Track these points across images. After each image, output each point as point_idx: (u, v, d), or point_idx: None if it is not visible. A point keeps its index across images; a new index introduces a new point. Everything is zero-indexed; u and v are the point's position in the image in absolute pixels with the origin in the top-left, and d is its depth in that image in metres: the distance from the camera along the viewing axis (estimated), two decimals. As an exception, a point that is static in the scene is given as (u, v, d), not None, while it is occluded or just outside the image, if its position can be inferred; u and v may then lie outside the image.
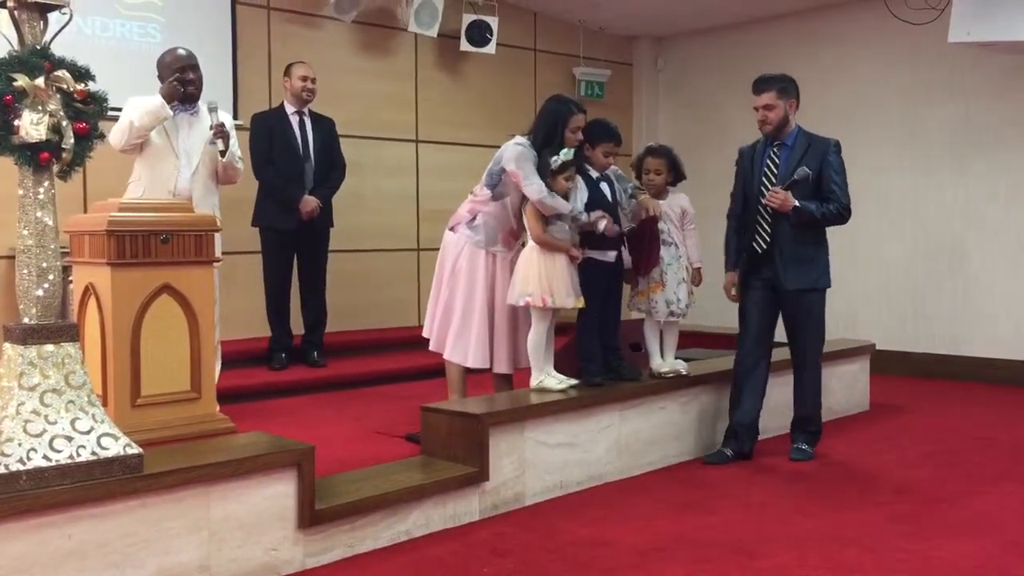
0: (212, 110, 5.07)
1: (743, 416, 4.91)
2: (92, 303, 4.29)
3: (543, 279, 4.37)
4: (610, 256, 4.65)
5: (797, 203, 4.67)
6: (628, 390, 4.67)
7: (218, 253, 4.60)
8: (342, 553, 3.48)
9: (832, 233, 4.92)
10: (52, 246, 2.97)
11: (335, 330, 6.78)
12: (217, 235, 4.58)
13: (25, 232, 2.94)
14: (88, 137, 2.99)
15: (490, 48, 7.83)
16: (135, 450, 2.99)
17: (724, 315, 7.64)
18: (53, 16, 3.00)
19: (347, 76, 7.35)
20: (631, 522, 3.89)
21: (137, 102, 4.88)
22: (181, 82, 4.97)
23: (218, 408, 4.58)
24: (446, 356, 4.71)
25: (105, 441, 2.94)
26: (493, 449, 4.00)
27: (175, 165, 5.00)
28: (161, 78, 5.05)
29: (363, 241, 7.42)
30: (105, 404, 4.01)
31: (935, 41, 7.04)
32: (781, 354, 5.17)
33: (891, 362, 7.35)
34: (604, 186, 4.68)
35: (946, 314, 7.46)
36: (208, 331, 4.42)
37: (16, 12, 2.93)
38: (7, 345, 2.98)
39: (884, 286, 7.78)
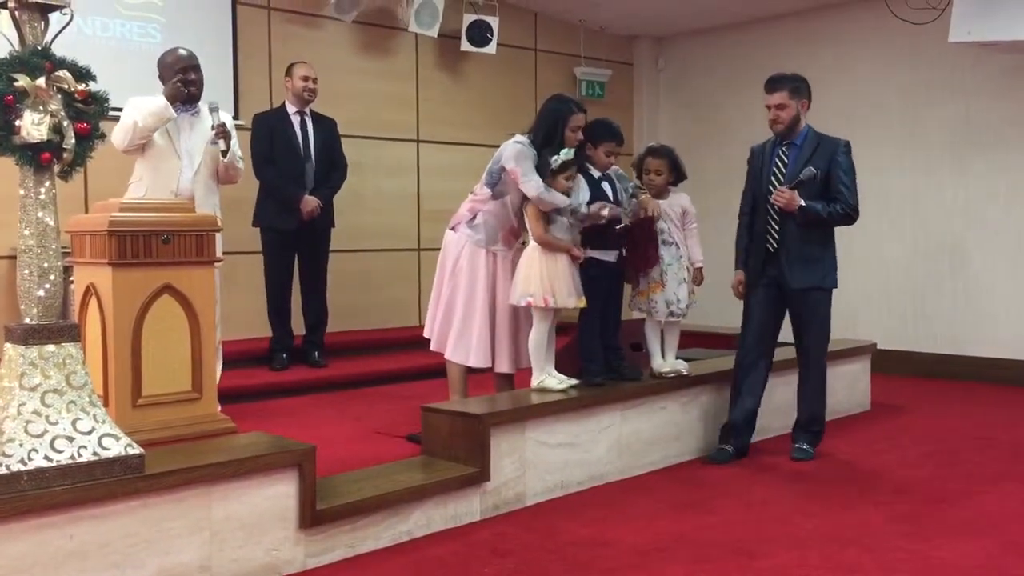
0: (213, 110, 5.07)
1: (740, 413, 4.93)
2: (93, 303, 4.29)
3: (545, 279, 4.37)
4: (612, 256, 4.65)
5: (803, 202, 4.67)
6: (629, 390, 4.67)
7: (219, 253, 4.61)
8: (343, 553, 3.49)
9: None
10: (53, 246, 2.97)
11: (336, 330, 6.78)
12: (218, 235, 4.59)
13: (26, 232, 2.94)
14: (89, 137, 2.99)
15: (491, 48, 7.84)
16: (136, 450, 2.99)
17: (725, 315, 7.65)
18: (54, 16, 3.00)
19: (348, 76, 7.35)
20: (632, 522, 3.90)
21: (139, 102, 4.88)
22: (184, 83, 4.97)
23: (219, 408, 4.57)
24: (447, 356, 4.71)
25: (106, 441, 2.94)
26: (494, 449, 4.00)
27: (177, 166, 5.00)
28: (162, 78, 5.05)
29: (364, 241, 7.42)
30: (106, 404, 4.01)
31: (935, 41, 7.04)
32: (784, 353, 5.18)
33: (892, 362, 7.35)
34: (606, 186, 4.68)
35: (947, 314, 7.46)
36: (209, 331, 4.42)
37: (17, 12, 2.93)
38: (8, 345, 2.98)
39: (885, 286, 7.78)
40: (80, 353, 3.03)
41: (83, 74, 2.98)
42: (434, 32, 7.51)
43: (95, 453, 2.90)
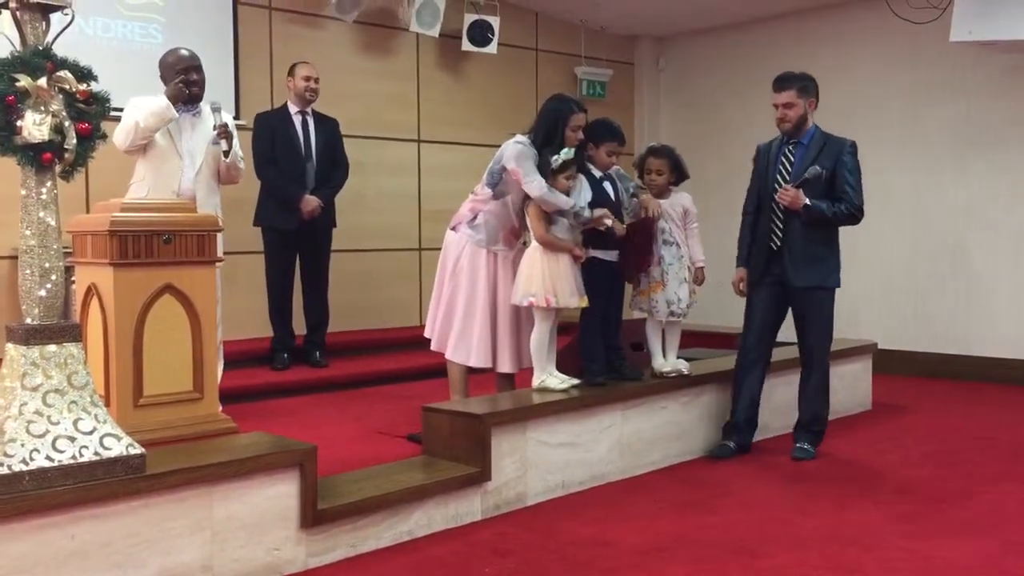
0: (215, 110, 5.08)
1: (743, 410, 4.97)
2: (94, 303, 4.30)
3: (547, 279, 4.37)
4: (613, 255, 4.65)
5: (808, 201, 4.67)
6: (630, 390, 4.67)
7: (220, 253, 4.61)
8: (344, 553, 3.49)
9: (834, 232, 4.93)
10: (55, 246, 2.98)
11: (337, 330, 6.78)
12: (219, 235, 4.59)
13: (28, 232, 2.95)
14: (90, 137, 2.99)
15: (492, 48, 7.84)
16: (137, 450, 3.00)
17: (726, 314, 7.66)
18: (55, 17, 3.00)
19: (349, 76, 7.36)
20: (633, 522, 3.90)
21: (141, 102, 4.88)
22: (186, 83, 4.97)
23: (220, 408, 4.58)
24: (448, 356, 4.71)
25: (108, 441, 2.95)
26: (495, 449, 4.00)
27: (179, 166, 5.00)
28: (164, 78, 5.05)
29: (365, 241, 7.42)
30: (107, 404, 4.01)
31: (936, 40, 7.04)
32: (787, 353, 5.18)
33: (893, 362, 7.34)
34: (607, 185, 4.68)
35: (948, 313, 7.46)
36: (210, 331, 4.42)
37: (18, 13, 2.93)
38: (10, 345, 2.98)
39: (886, 286, 7.78)
40: (82, 353, 3.03)
41: (84, 74, 2.98)
42: (435, 32, 7.52)
43: (97, 453, 2.90)
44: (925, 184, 7.60)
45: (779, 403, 5.24)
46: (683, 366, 4.96)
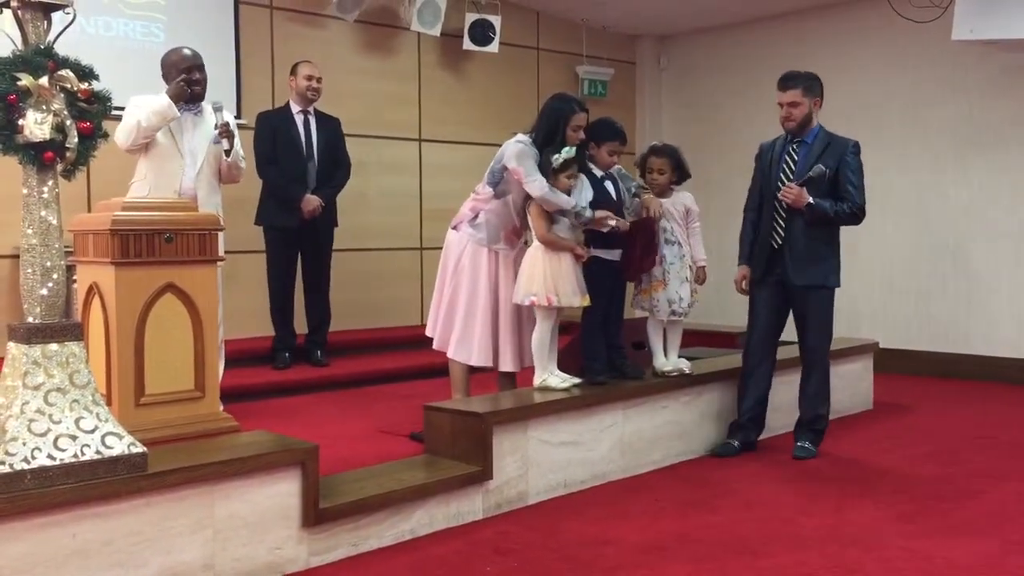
0: (217, 110, 5.08)
1: (748, 409, 4.99)
2: (96, 302, 4.30)
3: (548, 278, 4.37)
4: (615, 254, 4.65)
5: (811, 200, 4.68)
6: (631, 389, 4.67)
7: (221, 252, 4.61)
8: (346, 552, 3.49)
9: (835, 232, 4.93)
10: (56, 245, 2.98)
11: (338, 329, 6.79)
12: (220, 234, 4.59)
13: (29, 231, 2.95)
14: (92, 136, 3.00)
15: (493, 47, 7.84)
16: (139, 449, 3.00)
17: (727, 313, 7.67)
18: (56, 16, 3.00)
19: (350, 75, 7.36)
20: (634, 521, 3.90)
21: (142, 101, 4.88)
22: (188, 82, 4.97)
23: (222, 407, 4.58)
24: (450, 355, 4.71)
25: (109, 440, 2.95)
26: (496, 448, 4.01)
27: (180, 165, 5.00)
28: (166, 78, 5.04)
29: (366, 240, 7.42)
30: (109, 403, 4.00)
31: (938, 39, 7.03)
32: (787, 352, 5.19)
33: (895, 361, 7.34)
34: (608, 185, 4.68)
35: (950, 313, 7.46)
36: (212, 330, 4.42)
37: (20, 12, 2.93)
38: (11, 344, 2.98)
39: (887, 285, 7.77)
40: (83, 352, 3.03)
41: (86, 73, 2.98)
42: (436, 31, 7.52)
43: (98, 452, 2.91)
44: (926, 184, 7.60)
45: (780, 402, 5.24)
46: (684, 365, 4.96)
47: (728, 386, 5.16)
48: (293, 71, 6.37)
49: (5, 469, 2.73)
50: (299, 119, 6.31)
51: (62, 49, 2.98)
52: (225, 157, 5.09)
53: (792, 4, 8.05)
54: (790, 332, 5.01)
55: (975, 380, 7.17)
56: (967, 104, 7.37)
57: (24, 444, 2.80)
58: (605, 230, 4.48)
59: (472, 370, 4.76)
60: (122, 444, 2.97)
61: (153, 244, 4.24)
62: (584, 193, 4.52)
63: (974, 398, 6.60)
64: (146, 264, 4.23)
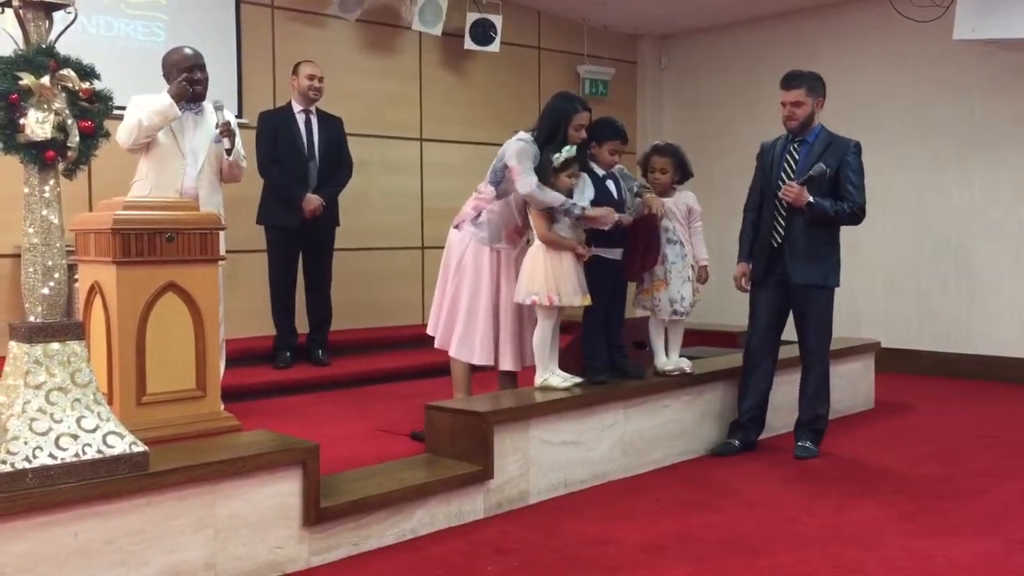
0: (218, 109, 5.08)
1: (749, 409, 4.99)
2: (97, 301, 4.30)
3: (550, 278, 4.37)
4: (616, 253, 4.65)
5: (811, 199, 4.68)
6: (632, 388, 4.67)
7: (222, 251, 4.61)
8: (347, 551, 3.49)
9: (836, 231, 4.93)
10: (58, 244, 2.98)
11: (339, 328, 6.79)
12: (221, 233, 4.59)
13: (31, 230, 2.95)
14: (93, 136, 3.00)
15: (494, 46, 7.84)
16: (140, 448, 3.00)
17: (728, 313, 7.66)
18: (58, 15, 3.01)
19: (351, 75, 7.36)
20: (635, 520, 3.90)
21: (143, 100, 4.89)
22: (189, 82, 4.97)
23: (223, 406, 4.58)
24: (452, 354, 4.71)
25: (111, 439, 2.95)
26: (497, 447, 4.01)
27: (181, 164, 5.00)
28: (167, 77, 5.05)
29: (367, 239, 7.42)
30: (110, 402, 4.02)
31: (939, 39, 7.03)
32: (788, 351, 5.18)
33: (896, 360, 7.34)
34: (610, 184, 4.68)
35: (950, 312, 7.45)
36: (213, 329, 4.43)
37: (21, 11, 2.93)
38: (13, 343, 2.98)
39: (888, 284, 7.77)
40: (84, 351, 3.03)
41: (87, 72, 2.99)
42: (438, 31, 7.52)
43: (99, 451, 2.91)
44: (927, 183, 7.59)
45: (780, 402, 5.24)
46: (685, 364, 4.96)
47: (729, 386, 5.17)
48: (295, 70, 6.38)
49: (7, 468, 2.74)
50: (301, 118, 6.31)
51: (63, 48, 2.98)
52: (226, 156, 5.10)
53: (793, 4, 8.05)
54: (791, 332, 5.01)
55: (976, 379, 7.17)
56: (968, 104, 7.36)
57: (26, 443, 2.80)
58: (606, 227, 4.47)
59: (473, 369, 4.76)
60: (123, 443, 2.97)
61: (154, 243, 4.24)
62: (586, 192, 4.53)
63: (975, 398, 6.60)
64: (147, 263, 4.23)
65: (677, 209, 4.85)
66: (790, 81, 4.82)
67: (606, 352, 4.70)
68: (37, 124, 2.85)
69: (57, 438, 2.86)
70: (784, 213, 4.80)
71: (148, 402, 4.26)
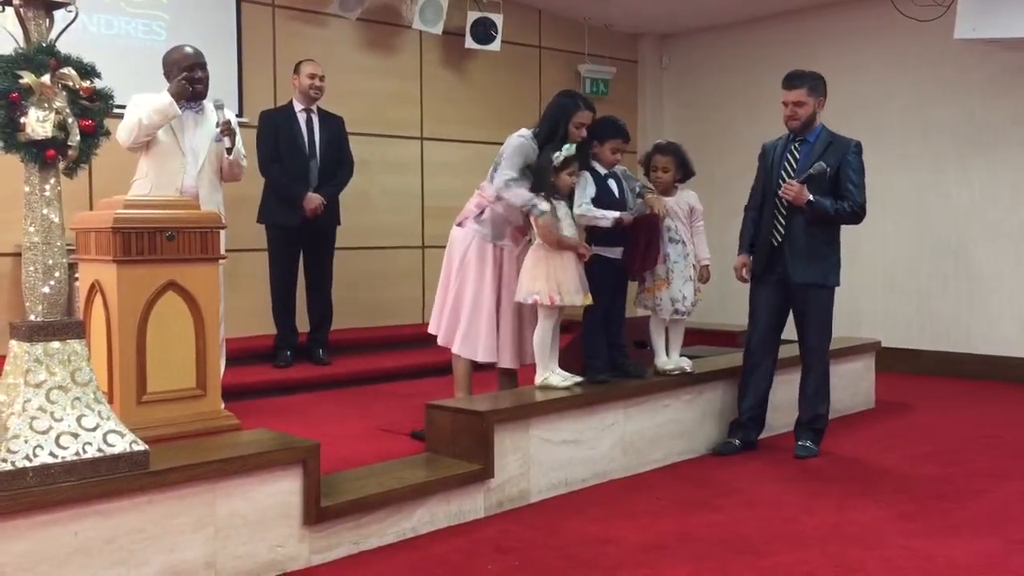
0: (218, 108, 5.08)
1: (749, 408, 4.99)
2: (98, 300, 4.30)
3: (551, 277, 4.37)
4: (617, 252, 4.65)
5: (812, 197, 4.68)
6: (633, 388, 4.67)
7: (223, 250, 4.61)
8: (347, 550, 3.49)
9: (837, 231, 4.93)
10: (58, 243, 2.98)
11: (340, 327, 6.79)
12: (222, 232, 4.59)
13: (31, 229, 2.95)
14: (94, 134, 3.00)
15: (495, 45, 7.83)
16: (141, 447, 3.00)
17: (729, 312, 7.67)
18: (59, 14, 3.01)
19: (352, 74, 7.36)
20: (636, 520, 3.90)
21: (143, 99, 4.89)
22: (190, 80, 4.97)
23: (223, 405, 4.58)
24: (455, 351, 4.69)
25: (111, 438, 2.95)
26: (498, 446, 4.01)
27: (181, 163, 5.00)
28: (168, 76, 5.05)
29: (368, 239, 7.43)
30: (111, 401, 4.02)
31: (940, 38, 7.03)
32: (788, 351, 5.18)
33: (896, 360, 7.34)
34: (612, 183, 4.67)
35: (951, 312, 7.45)
36: (213, 328, 4.43)
37: (22, 10, 2.93)
38: (13, 342, 2.99)
39: (888, 284, 7.77)
40: (85, 350, 3.03)
41: (88, 71, 2.99)
42: (438, 30, 7.52)
43: (100, 450, 2.91)
44: (927, 183, 7.59)
45: (780, 401, 5.24)
46: (686, 364, 4.96)
47: (729, 385, 5.17)
48: (296, 69, 6.38)
49: (7, 467, 2.74)
50: (302, 117, 6.31)
51: (64, 47, 2.98)
52: (227, 155, 5.10)
53: (794, 3, 8.05)
54: (791, 331, 5.01)
55: (977, 379, 7.17)
56: (969, 103, 7.36)
57: (26, 442, 2.80)
58: (606, 224, 4.47)
59: (475, 367, 4.76)
60: (124, 442, 2.97)
61: (155, 242, 4.25)
62: (587, 190, 4.53)
63: (976, 397, 6.59)
64: (148, 262, 4.23)
65: (679, 208, 4.85)
66: (792, 81, 4.82)
67: (606, 351, 4.69)
68: (38, 123, 2.85)
69: (57, 437, 2.86)
70: (784, 212, 4.81)
71: (148, 401, 4.27)
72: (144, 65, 5.91)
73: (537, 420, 4.21)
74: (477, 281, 4.64)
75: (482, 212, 4.67)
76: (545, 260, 4.39)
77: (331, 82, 6.56)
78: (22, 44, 2.94)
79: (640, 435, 4.69)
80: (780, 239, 4.82)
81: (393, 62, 7.72)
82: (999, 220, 7.24)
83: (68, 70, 2.92)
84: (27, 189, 2.95)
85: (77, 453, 2.86)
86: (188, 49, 5.09)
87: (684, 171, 4.90)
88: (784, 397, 5.25)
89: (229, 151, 5.08)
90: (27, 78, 2.84)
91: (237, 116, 5.59)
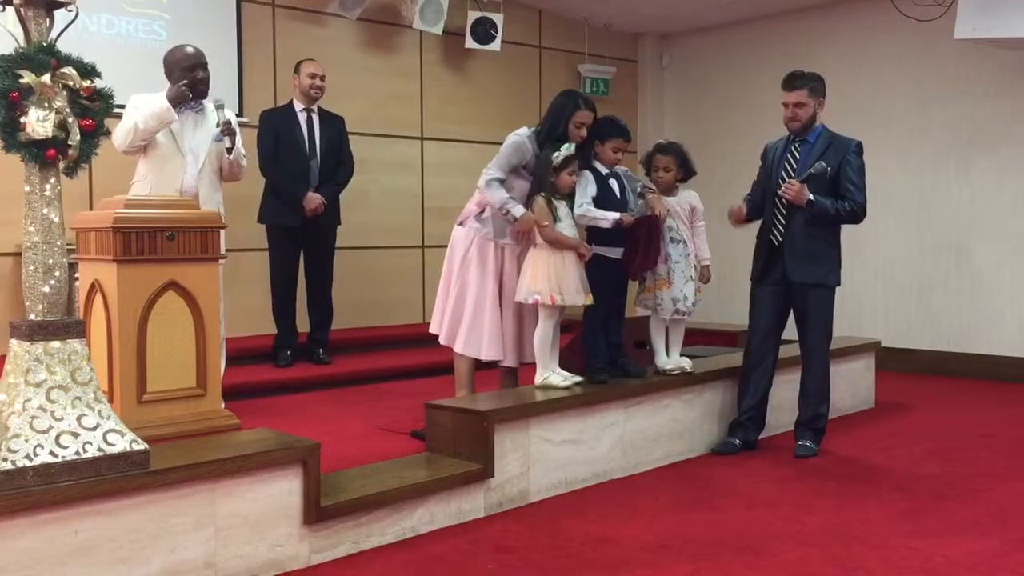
0: (219, 107, 5.08)
1: (749, 408, 5.00)
2: (98, 300, 4.31)
3: (552, 277, 4.37)
4: (617, 252, 4.65)
5: (811, 197, 4.68)
6: (633, 387, 4.67)
7: (223, 250, 4.61)
8: (348, 549, 3.49)
9: (837, 230, 4.93)
10: (58, 243, 2.98)
11: (340, 327, 6.79)
12: (222, 232, 4.59)
13: (31, 229, 2.95)
14: (94, 134, 3.00)
15: (495, 45, 7.83)
16: (141, 446, 3.00)
17: (729, 312, 7.68)
18: (59, 13, 3.01)
19: (352, 73, 7.36)
20: (636, 519, 3.90)
21: (141, 102, 4.88)
22: (191, 84, 4.96)
23: (223, 405, 4.58)
24: (458, 350, 4.69)
25: (111, 437, 2.95)
26: (498, 446, 4.01)
27: (181, 164, 4.99)
28: (169, 75, 5.04)
29: (368, 238, 7.43)
30: (111, 400, 4.02)
31: (940, 38, 7.03)
32: (788, 350, 5.19)
33: (896, 359, 7.34)
34: (613, 183, 4.68)
35: (952, 311, 7.45)
36: (213, 328, 4.43)
37: (22, 9, 2.93)
38: (14, 341, 2.99)
39: (889, 283, 7.77)
40: (85, 349, 3.03)
41: (88, 71, 2.99)
42: (438, 29, 7.52)
43: (100, 449, 2.91)
44: (928, 182, 7.59)
45: (780, 401, 5.24)
46: (686, 364, 4.96)
47: (729, 385, 5.16)
48: (296, 69, 6.38)
49: (7, 466, 2.74)
50: (302, 117, 6.31)
51: (64, 47, 2.98)
52: (227, 155, 5.09)
53: (794, 3, 8.05)
54: (792, 331, 5.01)
55: (977, 378, 7.17)
56: (969, 103, 7.36)
57: (26, 441, 2.81)
58: (606, 224, 4.47)
59: (477, 366, 4.76)
60: (124, 441, 2.97)
61: (155, 242, 4.25)
62: (588, 189, 4.53)
63: (976, 396, 6.59)
64: (148, 262, 4.24)
65: (680, 208, 4.85)
66: (792, 82, 4.83)
67: (607, 351, 4.70)
68: (38, 122, 2.85)
69: (58, 436, 2.86)
70: (784, 212, 4.81)
71: (149, 400, 4.27)
72: (144, 65, 5.91)
73: (537, 420, 4.21)
74: (479, 280, 4.64)
75: (483, 211, 4.67)
76: (546, 260, 4.39)
77: (331, 81, 6.56)
78: (22, 44, 2.95)
79: (640, 435, 4.69)
80: (780, 239, 4.83)
81: (393, 62, 7.72)
82: (1000, 220, 7.24)
83: (68, 70, 2.93)
84: (27, 189, 2.96)
85: (77, 452, 2.87)
86: (190, 49, 5.08)
87: (685, 171, 4.90)
88: (784, 397, 5.25)
89: (229, 151, 5.08)
90: (27, 78, 2.84)
91: (237, 116, 5.58)
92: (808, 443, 4.92)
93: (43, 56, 2.89)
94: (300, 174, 6.24)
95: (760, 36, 8.50)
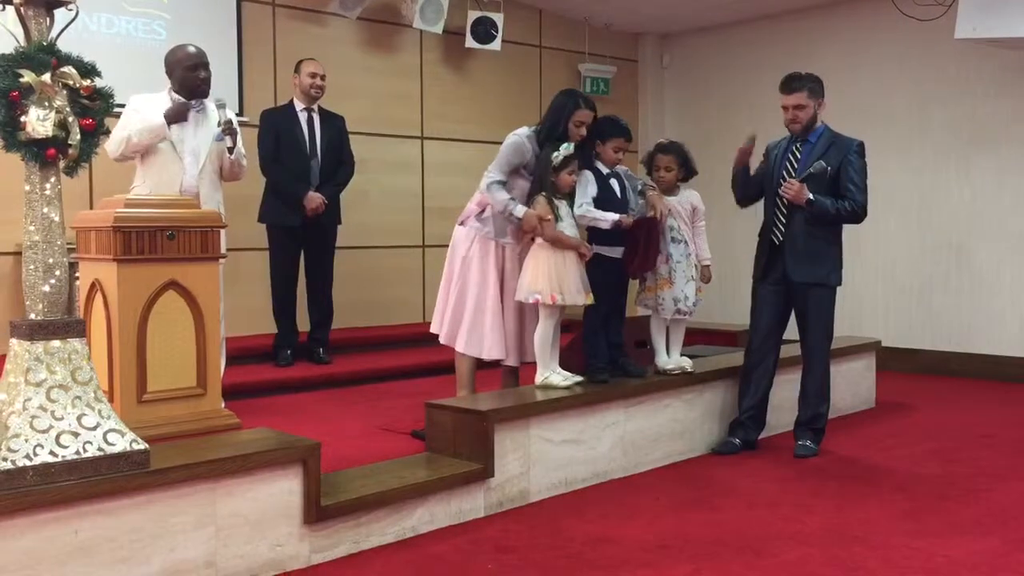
0: (220, 107, 5.08)
1: (750, 407, 5.00)
2: (98, 299, 4.31)
3: (552, 277, 4.36)
4: (617, 252, 4.64)
5: (811, 196, 4.68)
6: (633, 387, 4.67)
7: (223, 249, 4.61)
8: (348, 549, 3.49)
9: (838, 230, 4.93)
10: (59, 242, 2.98)
11: (340, 327, 6.79)
12: (222, 231, 4.59)
13: (32, 228, 2.95)
14: (94, 133, 3.00)
15: (495, 45, 7.83)
16: (141, 446, 3.00)
17: (729, 312, 7.68)
18: (59, 13, 3.01)
19: (352, 73, 7.36)
20: (636, 519, 3.90)
21: (141, 102, 4.88)
22: (192, 83, 4.95)
23: (223, 404, 4.58)
24: (459, 349, 4.68)
25: (111, 437, 2.95)
26: (498, 446, 4.00)
27: (180, 165, 4.98)
28: (170, 75, 5.04)
29: (368, 238, 7.43)
30: (111, 400, 4.02)
31: (941, 38, 7.03)
32: (788, 350, 5.18)
33: (897, 359, 7.34)
34: (614, 182, 4.67)
35: (952, 311, 7.45)
36: (214, 327, 4.43)
37: (22, 9, 2.93)
38: (14, 341, 2.99)
39: (890, 283, 7.77)
40: (85, 349, 3.03)
41: (88, 70, 2.99)
42: (439, 29, 7.52)
43: (100, 448, 2.91)
44: (929, 182, 7.59)
45: (780, 401, 5.24)
46: (686, 363, 4.96)
47: (730, 384, 5.16)
48: (297, 69, 6.37)
49: (7, 466, 2.74)
50: (303, 117, 6.31)
51: (64, 46, 2.98)
52: (228, 155, 5.09)
53: (794, 3, 8.05)
54: (790, 331, 5.01)
55: (977, 378, 7.17)
56: (970, 102, 7.36)
57: (26, 441, 2.80)
58: (606, 225, 4.47)
59: (478, 366, 4.75)
60: (124, 441, 2.97)
61: (155, 241, 4.25)
62: (589, 189, 4.53)
63: (976, 396, 6.59)
64: (148, 261, 4.23)
65: (681, 208, 4.84)
66: (791, 84, 4.83)
67: (607, 351, 4.69)
68: (38, 122, 2.85)
69: (58, 436, 2.86)
70: (785, 212, 4.81)
71: (149, 400, 4.27)
72: (144, 64, 5.91)
73: (537, 419, 4.21)
74: (481, 278, 4.63)
75: (484, 210, 4.67)
76: (547, 259, 4.39)
77: (331, 81, 6.56)
78: (23, 43, 2.94)
79: (640, 434, 4.68)
80: (781, 238, 4.83)
81: (394, 61, 7.72)
82: (1000, 219, 7.24)
83: (69, 69, 2.92)
84: (27, 188, 2.95)
85: (77, 452, 2.86)
86: (191, 48, 5.08)
87: (686, 170, 4.90)
88: (784, 397, 5.25)
89: (231, 150, 5.08)
90: (28, 77, 2.84)
91: (237, 115, 5.58)
92: (808, 443, 4.92)
93: (43, 55, 2.89)
94: (301, 174, 6.24)
95: (761, 36, 8.50)
